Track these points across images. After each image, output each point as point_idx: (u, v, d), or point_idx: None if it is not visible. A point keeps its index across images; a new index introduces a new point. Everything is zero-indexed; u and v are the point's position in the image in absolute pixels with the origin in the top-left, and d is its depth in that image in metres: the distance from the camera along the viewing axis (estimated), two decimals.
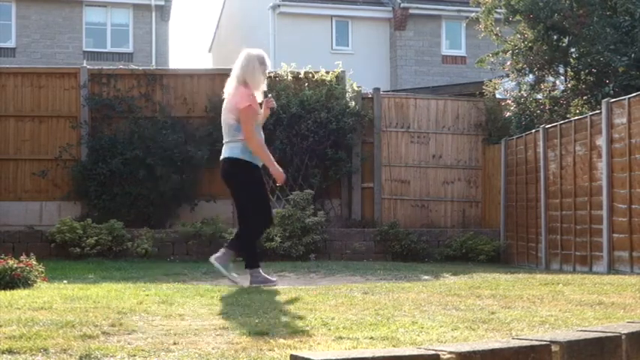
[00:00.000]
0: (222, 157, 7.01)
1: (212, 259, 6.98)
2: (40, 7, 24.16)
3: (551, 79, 14.08)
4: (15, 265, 6.04)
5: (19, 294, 5.41)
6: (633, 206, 9.22)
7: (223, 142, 7.00)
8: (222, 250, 7.06)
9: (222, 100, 7.17)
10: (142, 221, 12.88)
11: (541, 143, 11.90)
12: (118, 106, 13.36)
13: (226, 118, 6.98)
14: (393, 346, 3.37)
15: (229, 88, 7.10)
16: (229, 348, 3.35)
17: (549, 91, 13.85)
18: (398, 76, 24.28)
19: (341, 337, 3.58)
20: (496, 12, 14.31)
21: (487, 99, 14.61)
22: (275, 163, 6.98)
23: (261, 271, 6.96)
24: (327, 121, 13.29)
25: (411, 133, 14.39)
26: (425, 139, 14.44)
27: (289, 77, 13.47)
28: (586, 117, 10.74)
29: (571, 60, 13.48)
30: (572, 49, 13.54)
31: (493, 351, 2.68)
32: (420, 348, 2.80)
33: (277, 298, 5.39)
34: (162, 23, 25.32)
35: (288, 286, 6.74)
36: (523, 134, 12.85)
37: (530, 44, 13.66)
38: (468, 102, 14.83)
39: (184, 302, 5.03)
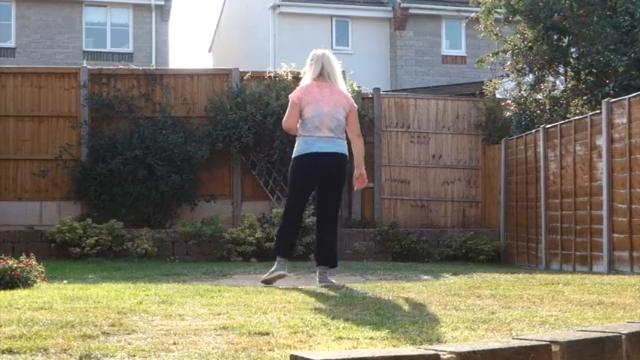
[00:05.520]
0: (330, 151, 6.87)
1: (323, 283, 6.82)
2: (40, 7, 24.16)
3: (551, 79, 14.09)
4: (15, 265, 6.04)
5: (19, 294, 5.41)
6: (633, 206, 9.22)
7: (324, 135, 6.86)
8: (319, 269, 7.00)
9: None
10: (142, 221, 12.88)
11: (541, 143, 11.90)
12: (118, 106, 13.36)
13: (336, 113, 6.92)
14: (393, 346, 3.37)
15: (327, 85, 6.99)
16: (229, 348, 3.35)
17: (549, 91, 13.86)
18: (398, 76, 24.28)
19: (341, 337, 3.58)
20: (496, 12, 14.31)
21: (487, 99, 14.62)
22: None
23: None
24: None
25: (411, 133, 14.40)
26: (425, 139, 14.45)
27: (289, 77, 13.45)
28: (586, 117, 10.74)
29: (571, 60, 13.49)
30: (572, 49, 13.54)
31: (493, 351, 2.68)
32: (420, 348, 2.80)
33: (277, 298, 5.39)
34: (162, 23, 25.32)
35: (288, 286, 6.74)
36: (523, 134, 12.85)
37: (530, 44, 13.66)
38: (468, 102, 14.83)
39: (184, 302, 5.02)
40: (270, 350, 3.28)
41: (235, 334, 3.71)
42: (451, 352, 2.59)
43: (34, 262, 6.27)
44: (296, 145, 7.03)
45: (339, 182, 7.06)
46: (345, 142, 7.04)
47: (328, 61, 7.04)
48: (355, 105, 7.24)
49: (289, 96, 7.12)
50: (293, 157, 7.03)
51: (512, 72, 13.99)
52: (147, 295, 5.40)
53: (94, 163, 12.96)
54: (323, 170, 6.90)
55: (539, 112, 13.65)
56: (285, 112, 7.22)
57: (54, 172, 13.27)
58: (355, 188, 7.25)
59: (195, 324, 4.05)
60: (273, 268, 7.07)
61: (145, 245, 12.06)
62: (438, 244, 13.37)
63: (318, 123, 6.86)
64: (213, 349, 3.33)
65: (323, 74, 6.99)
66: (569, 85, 13.43)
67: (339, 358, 2.49)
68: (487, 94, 14.68)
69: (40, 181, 13.25)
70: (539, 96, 13.94)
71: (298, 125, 6.97)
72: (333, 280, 7.01)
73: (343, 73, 13.59)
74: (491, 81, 14.76)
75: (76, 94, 13.46)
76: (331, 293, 5.79)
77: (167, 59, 25.20)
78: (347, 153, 7.05)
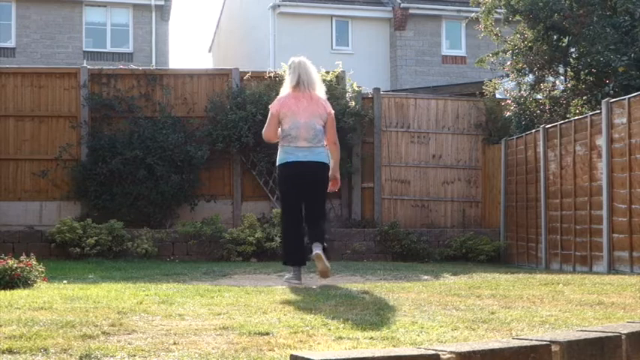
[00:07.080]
0: (307, 160, 7.10)
1: (316, 251, 7.01)
2: (40, 7, 24.15)
3: (551, 79, 14.09)
4: (15, 265, 6.04)
5: (19, 294, 5.41)
6: (633, 206, 9.22)
7: (301, 145, 7.10)
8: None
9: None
10: (142, 221, 12.88)
11: (541, 143, 11.90)
12: (118, 106, 13.36)
13: (312, 123, 7.15)
14: (393, 346, 3.37)
15: (304, 95, 7.19)
16: (229, 348, 3.35)
17: (549, 91, 13.86)
18: (398, 76, 24.28)
19: (341, 337, 3.58)
20: (496, 12, 14.31)
21: (487, 99, 14.62)
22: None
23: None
24: None
25: (411, 133, 14.39)
26: (425, 139, 14.44)
27: None
28: (586, 117, 10.74)
29: (571, 60, 13.48)
30: (572, 49, 13.54)
31: (493, 351, 2.68)
32: (420, 348, 2.80)
33: (277, 298, 5.39)
34: (162, 23, 25.32)
35: (288, 286, 6.74)
36: (523, 134, 12.85)
37: (530, 44, 13.67)
38: (467, 102, 14.83)
39: (184, 302, 5.03)
40: (270, 350, 3.28)
41: (235, 334, 3.71)
42: (451, 352, 2.60)
43: (34, 262, 6.27)
44: (278, 153, 7.34)
45: (321, 188, 7.28)
46: (325, 148, 7.28)
47: (305, 69, 7.26)
48: (332, 112, 7.43)
49: (269, 107, 7.40)
50: (276, 164, 7.37)
51: (512, 72, 13.99)
52: (147, 295, 5.40)
53: (94, 163, 12.96)
54: (304, 178, 7.14)
55: (539, 112, 13.64)
56: None
57: (54, 172, 13.27)
58: (328, 190, 7.47)
59: (196, 324, 4.06)
60: (288, 275, 7.35)
61: (145, 245, 12.06)
62: (438, 244, 13.37)
63: (295, 134, 7.13)
64: (213, 349, 3.33)
65: (299, 83, 7.21)
66: (569, 85, 13.42)
67: (339, 358, 2.49)
68: (487, 94, 14.68)
69: (40, 181, 13.25)
70: (539, 96, 13.94)
71: (279, 134, 7.24)
72: (320, 252, 7.07)
73: (343, 72, 13.83)
74: (491, 81, 14.76)
75: (76, 94, 13.46)
76: (331, 293, 5.79)
77: (167, 59, 25.19)
78: (327, 160, 7.27)
